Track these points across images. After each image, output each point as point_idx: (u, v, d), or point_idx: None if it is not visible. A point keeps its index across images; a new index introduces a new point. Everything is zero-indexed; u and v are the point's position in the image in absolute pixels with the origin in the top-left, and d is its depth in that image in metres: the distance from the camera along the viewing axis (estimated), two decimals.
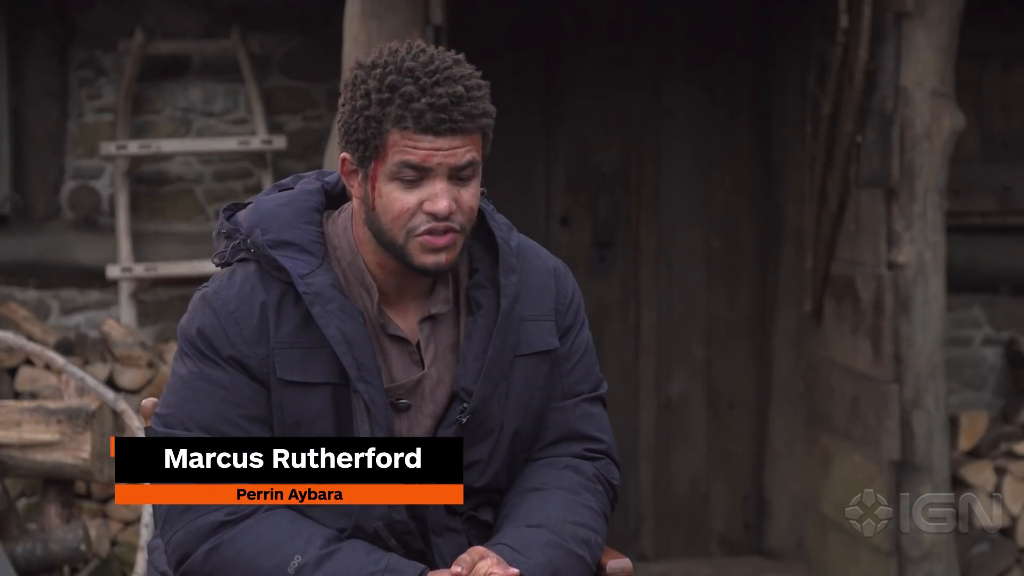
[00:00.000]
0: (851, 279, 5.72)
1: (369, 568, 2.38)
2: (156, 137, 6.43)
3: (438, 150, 2.39)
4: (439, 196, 2.40)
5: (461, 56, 2.45)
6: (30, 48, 6.44)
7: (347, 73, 2.46)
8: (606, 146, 6.55)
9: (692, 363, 6.59)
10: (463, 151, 2.40)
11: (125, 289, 6.35)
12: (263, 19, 6.44)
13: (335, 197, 2.58)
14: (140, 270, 6.31)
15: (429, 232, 2.41)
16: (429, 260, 2.43)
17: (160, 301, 6.49)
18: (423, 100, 2.36)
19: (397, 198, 2.41)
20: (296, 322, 2.45)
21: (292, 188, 2.59)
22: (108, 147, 6.28)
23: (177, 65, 6.50)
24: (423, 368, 2.52)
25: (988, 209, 6.41)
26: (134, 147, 6.28)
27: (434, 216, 2.40)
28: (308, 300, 2.43)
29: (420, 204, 2.41)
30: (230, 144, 6.36)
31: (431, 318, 2.53)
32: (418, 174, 2.40)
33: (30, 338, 5.87)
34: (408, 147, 2.38)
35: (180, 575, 2.45)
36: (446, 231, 2.42)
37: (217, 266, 2.56)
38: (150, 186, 6.52)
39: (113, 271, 6.32)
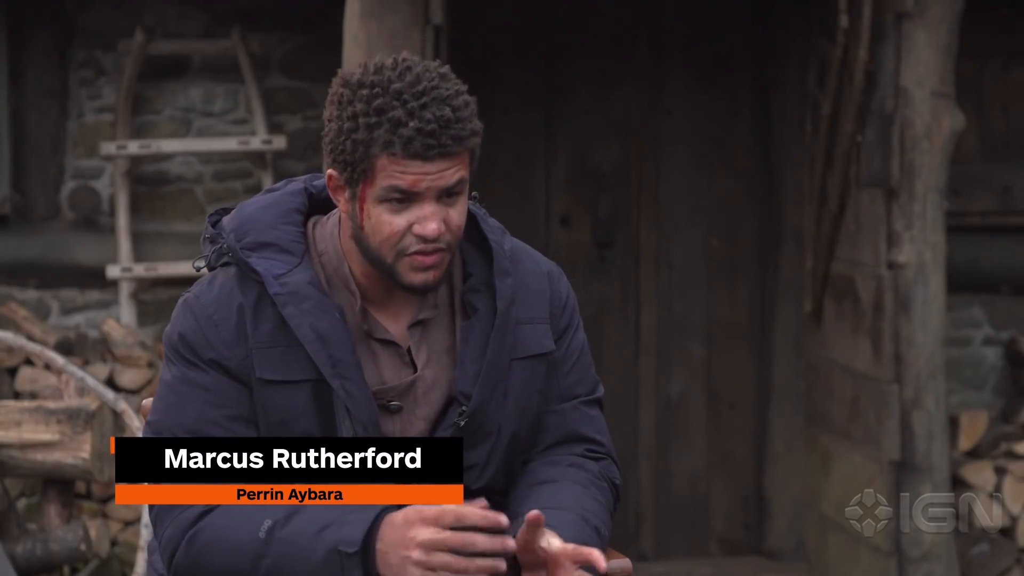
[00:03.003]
0: (851, 279, 5.72)
1: (334, 513, 2.37)
2: (156, 137, 6.43)
3: (427, 174, 2.38)
4: (428, 219, 2.40)
5: (446, 69, 2.44)
6: (30, 48, 6.44)
7: (333, 88, 2.45)
8: (606, 146, 6.55)
9: (692, 363, 6.59)
10: (451, 172, 2.40)
11: (125, 289, 6.35)
12: (263, 19, 6.44)
13: (322, 200, 2.59)
14: (140, 270, 6.31)
15: (419, 252, 2.42)
16: (417, 279, 2.44)
17: (160, 301, 6.49)
18: (411, 125, 2.35)
19: (386, 221, 2.41)
20: (274, 322, 2.46)
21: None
22: (108, 147, 6.28)
23: (177, 65, 6.50)
24: (415, 371, 2.53)
25: (988, 209, 6.41)
26: (134, 147, 6.28)
27: (423, 239, 2.41)
28: (280, 301, 2.44)
29: (409, 226, 2.41)
30: (230, 144, 6.36)
31: (421, 323, 2.54)
32: (406, 197, 2.40)
33: (30, 338, 5.87)
34: (397, 172, 2.38)
35: (172, 571, 2.46)
36: (435, 251, 2.42)
37: (198, 270, 2.58)
38: (150, 186, 6.52)
39: (113, 271, 6.32)
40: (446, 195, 2.41)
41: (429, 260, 2.43)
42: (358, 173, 2.40)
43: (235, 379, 2.46)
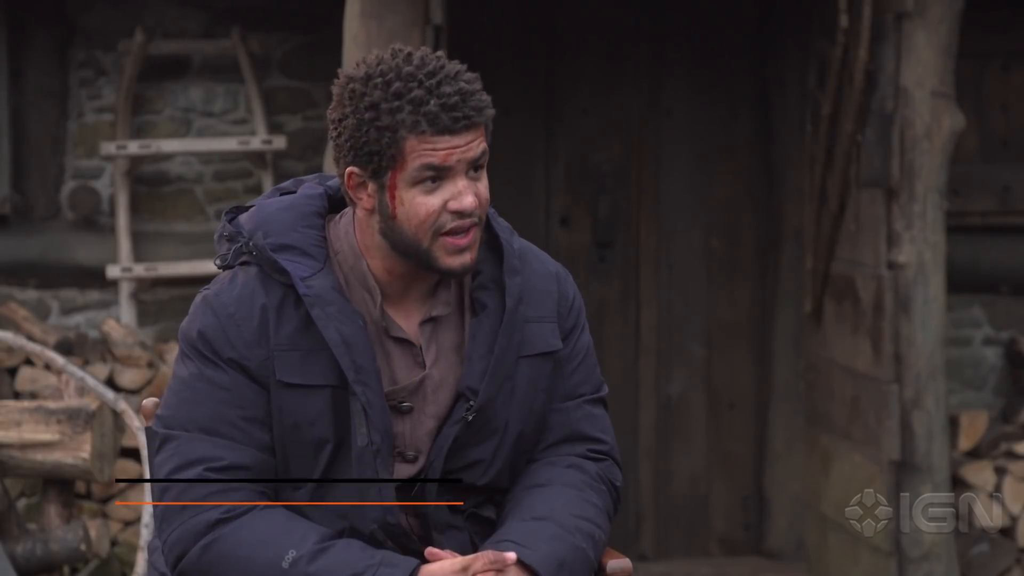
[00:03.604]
0: (851, 279, 5.72)
1: (364, 562, 2.39)
2: (156, 137, 6.43)
3: (456, 147, 2.41)
4: (463, 193, 2.43)
5: (441, 52, 2.48)
6: (30, 48, 6.44)
7: (337, 88, 2.46)
8: (606, 146, 6.55)
9: (692, 363, 6.59)
10: (477, 143, 2.43)
11: (125, 289, 6.34)
12: (263, 19, 6.44)
13: (337, 201, 2.59)
14: (140, 270, 6.31)
15: (453, 232, 2.43)
16: (455, 262, 2.46)
17: (160, 301, 6.49)
18: (433, 102, 2.38)
19: (421, 203, 2.42)
20: (296, 324, 2.46)
21: (294, 192, 2.60)
22: (108, 147, 6.28)
23: (177, 65, 6.50)
24: (425, 370, 2.53)
25: (988, 209, 6.41)
26: (134, 147, 6.27)
27: (460, 214, 2.42)
28: (308, 302, 2.44)
29: (444, 204, 2.43)
30: (230, 144, 6.35)
31: (432, 320, 2.54)
32: (438, 174, 2.41)
33: (30, 338, 5.87)
34: (427, 150, 2.40)
35: (177, 574, 2.46)
36: (469, 228, 2.44)
37: (219, 268, 2.57)
38: (150, 186, 6.52)
39: (113, 271, 6.31)
40: (473, 169, 2.44)
41: (464, 241, 2.44)
42: (386, 161, 2.41)
43: (253, 380, 2.46)
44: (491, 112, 2.45)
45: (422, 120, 2.38)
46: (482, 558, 2.41)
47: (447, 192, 2.42)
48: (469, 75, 2.44)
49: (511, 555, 2.42)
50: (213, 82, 6.51)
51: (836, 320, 5.86)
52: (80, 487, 5.66)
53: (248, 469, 2.45)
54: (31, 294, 6.48)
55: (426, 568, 2.41)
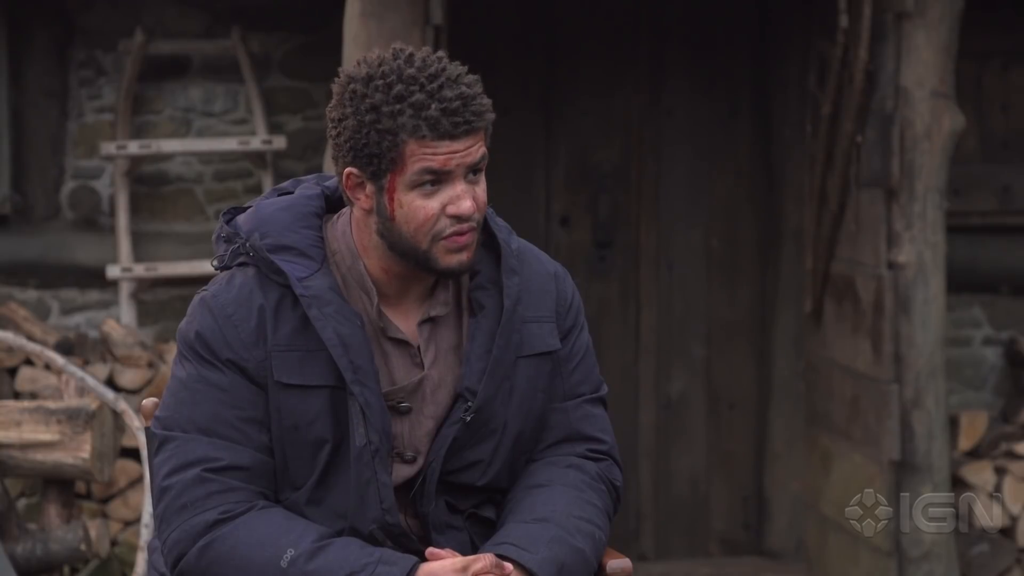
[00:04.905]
0: (851, 279, 5.72)
1: (363, 560, 2.39)
2: (156, 137, 6.43)
3: (455, 152, 2.41)
4: (461, 198, 2.43)
5: (442, 53, 2.48)
6: (30, 48, 6.44)
7: (338, 87, 2.45)
8: (606, 146, 6.55)
9: (692, 363, 6.59)
10: (476, 148, 2.43)
11: (125, 289, 6.34)
12: (263, 19, 6.44)
13: (335, 201, 2.59)
14: (140, 270, 6.31)
15: (454, 234, 2.44)
16: (453, 261, 2.46)
17: (160, 301, 6.49)
18: (434, 107, 2.38)
19: (420, 206, 2.42)
20: (294, 325, 2.46)
21: (292, 192, 2.60)
22: (108, 147, 6.28)
23: (177, 65, 6.50)
24: (423, 370, 2.53)
25: (988, 209, 6.41)
26: (134, 147, 6.27)
27: (458, 218, 2.42)
28: (306, 303, 2.44)
29: (443, 208, 2.43)
30: (230, 144, 6.35)
31: (430, 320, 2.54)
32: (437, 178, 2.41)
33: (30, 338, 5.87)
34: (427, 154, 2.40)
35: (176, 574, 2.46)
36: (468, 230, 2.44)
37: (217, 270, 2.57)
38: (150, 186, 6.52)
39: (113, 271, 6.31)
40: (471, 172, 2.44)
41: (463, 240, 2.44)
42: (386, 163, 2.41)
43: (252, 381, 2.46)
44: (491, 116, 2.45)
45: (422, 124, 2.38)
46: (483, 559, 2.41)
47: (445, 196, 2.42)
48: (470, 78, 2.43)
49: (508, 566, 2.43)
50: (213, 82, 6.51)
51: (836, 320, 5.86)
52: (80, 487, 5.66)
53: (246, 470, 2.46)
54: (31, 294, 6.48)
55: (425, 566, 2.41)
